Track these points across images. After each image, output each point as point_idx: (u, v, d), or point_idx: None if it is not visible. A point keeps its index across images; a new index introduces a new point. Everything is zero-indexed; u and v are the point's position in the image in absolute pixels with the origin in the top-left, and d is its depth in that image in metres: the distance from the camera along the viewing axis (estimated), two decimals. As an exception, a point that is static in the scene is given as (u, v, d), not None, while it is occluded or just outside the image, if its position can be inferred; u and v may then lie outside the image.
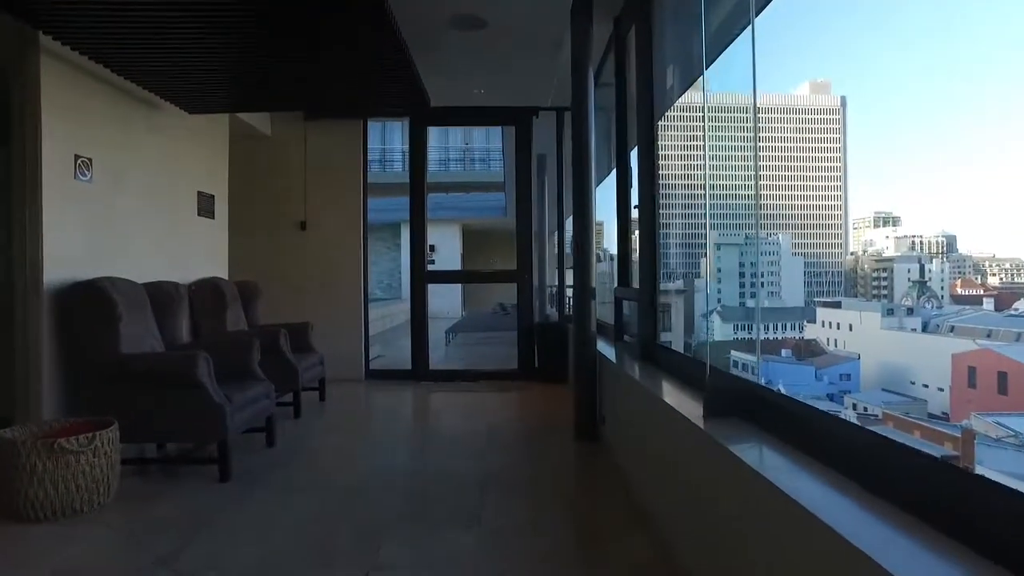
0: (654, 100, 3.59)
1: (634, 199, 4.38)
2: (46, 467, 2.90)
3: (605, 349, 4.30)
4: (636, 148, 3.79)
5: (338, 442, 4.34)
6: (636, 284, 4.33)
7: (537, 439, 4.39)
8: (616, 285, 4.51)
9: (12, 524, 2.87)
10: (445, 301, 15.97)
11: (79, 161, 3.70)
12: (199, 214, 5.08)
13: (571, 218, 4.26)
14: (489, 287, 19.41)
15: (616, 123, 4.42)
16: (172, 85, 4.01)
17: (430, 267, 6.82)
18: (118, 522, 2.90)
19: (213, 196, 5.30)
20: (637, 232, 4.01)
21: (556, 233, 8.58)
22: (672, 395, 2.63)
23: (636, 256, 4.46)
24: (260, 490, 3.30)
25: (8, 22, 3.31)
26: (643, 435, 2.98)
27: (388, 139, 19.20)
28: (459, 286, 19.14)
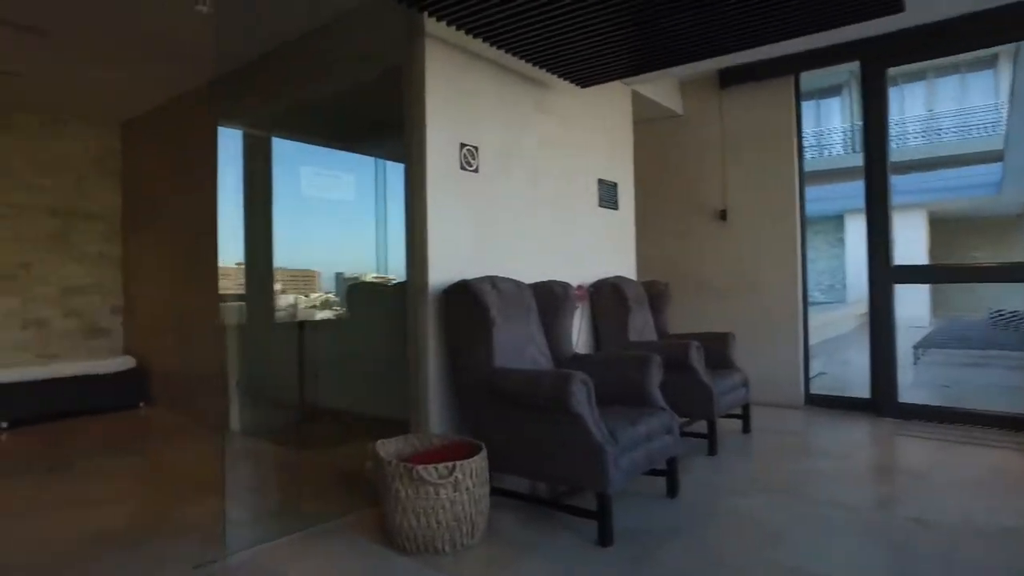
0: None
1: None
2: (408, 495, 2.50)
3: None
4: None
5: (762, 508, 2.99)
6: None
7: None
8: None
9: (381, 547, 2.58)
10: (905, 306, 12.68)
11: (464, 150, 3.37)
12: (600, 205, 4.46)
13: None
14: (969, 288, 15.00)
15: None
16: (562, 55, 3.40)
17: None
18: (471, 580, 2.30)
19: (616, 184, 4.63)
20: None
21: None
22: None
23: None
24: (644, 574, 2.32)
25: (397, 20, 3.21)
26: None
27: (824, 119, 16.59)
28: (925, 288, 15.15)
